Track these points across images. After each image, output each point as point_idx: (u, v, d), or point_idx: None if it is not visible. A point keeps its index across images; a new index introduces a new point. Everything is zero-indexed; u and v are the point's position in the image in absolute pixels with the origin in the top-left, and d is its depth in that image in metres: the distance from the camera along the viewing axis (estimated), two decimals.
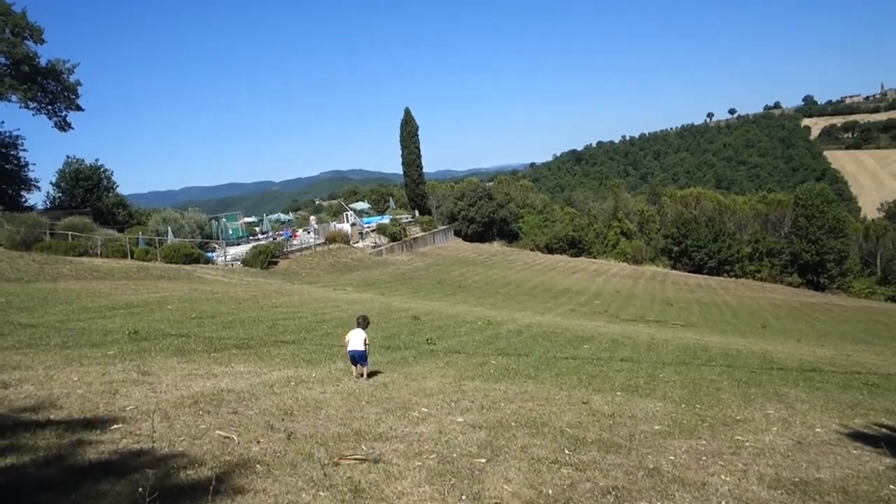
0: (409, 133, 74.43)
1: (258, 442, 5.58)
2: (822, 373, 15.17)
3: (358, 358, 9.72)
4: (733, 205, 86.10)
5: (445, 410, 7.64)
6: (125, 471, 4.54)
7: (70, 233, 35.24)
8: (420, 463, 5.34)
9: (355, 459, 5.24)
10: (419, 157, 75.32)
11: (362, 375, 9.68)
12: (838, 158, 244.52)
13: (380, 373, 10.37)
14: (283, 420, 6.46)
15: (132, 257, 34.90)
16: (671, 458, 6.22)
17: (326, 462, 5.13)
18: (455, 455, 5.66)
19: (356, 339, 9.72)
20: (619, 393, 10.09)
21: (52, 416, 5.90)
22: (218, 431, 5.75)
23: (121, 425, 5.76)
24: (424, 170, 78.19)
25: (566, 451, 6.07)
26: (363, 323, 10.03)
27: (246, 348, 12.00)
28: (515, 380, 10.62)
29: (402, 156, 75.29)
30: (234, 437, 5.60)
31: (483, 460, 5.55)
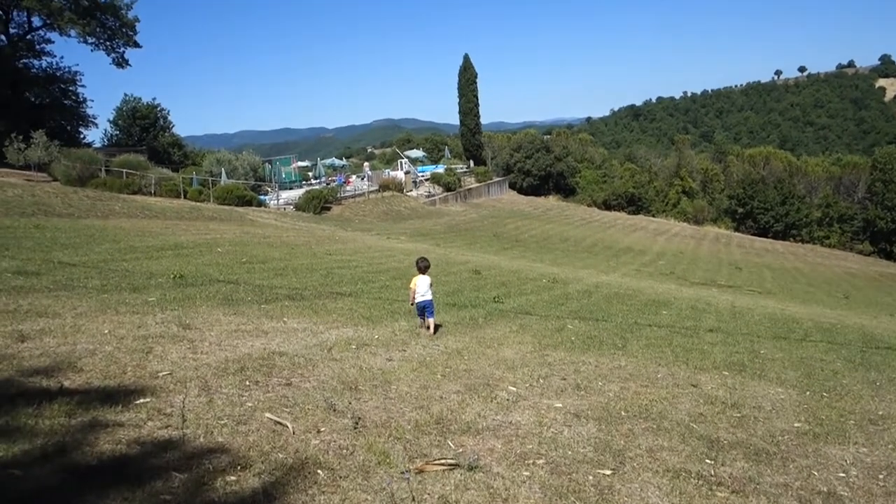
0: (467, 80, 72.10)
1: (318, 431, 4.37)
2: None
3: (428, 309, 9.03)
4: (805, 166, 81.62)
5: (537, 391, 6.34)
6: (144, 474, 3.37)
7: (125, 170, 34.86)
8: (528, 473, 4.05)
9: (444, 465, 3.98)
10: (477, 105, 73.02)
11: (429, 328, 8.98)
12: None
13: (444, 330, 9.23)
14: (346, 398, 5.24)
15: (185, 197, 34.37)
16: (841, 475, 4.81)
17: (408, 467, 3.89)
18: (569, 461, 4.37)
19: (425, 287, 8.98)
20: (725, 372, 8.64)
21: (66, 383, 4.79)
22: (268, 414, 4.55)
23: (149, 399, 4.61)
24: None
25: (707, 461, 4.72)
26: (426, 267, 9.21)
27: (299, 300, 10.89)
28: (603, 351, 9.25)
29: (459, 104, 73.13)
30: (288, 424, 4.39)
31: (608, 471, 4.24)
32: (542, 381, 6.82)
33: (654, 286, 22.49)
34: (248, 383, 5.33)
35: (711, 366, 9.04)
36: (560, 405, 5.84)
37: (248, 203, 36.13)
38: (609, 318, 13.18)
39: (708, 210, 76.22)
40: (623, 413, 5.83)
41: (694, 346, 10.55)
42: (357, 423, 4.59)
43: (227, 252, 16.65)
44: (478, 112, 73.74)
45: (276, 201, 40.18)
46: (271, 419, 4.47)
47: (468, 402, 5.61)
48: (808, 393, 7.96)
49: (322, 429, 4.42)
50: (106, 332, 6.65)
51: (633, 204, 75.49)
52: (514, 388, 6.30)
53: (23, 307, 7.53)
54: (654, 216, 74.44)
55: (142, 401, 4.55)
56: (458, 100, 73.24)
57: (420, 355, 7.43)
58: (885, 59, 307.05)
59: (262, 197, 39.97)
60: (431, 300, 9.16)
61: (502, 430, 4.90)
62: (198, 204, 32.75)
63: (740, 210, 72.95)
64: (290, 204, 39.59)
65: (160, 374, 5.26)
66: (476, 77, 72.52)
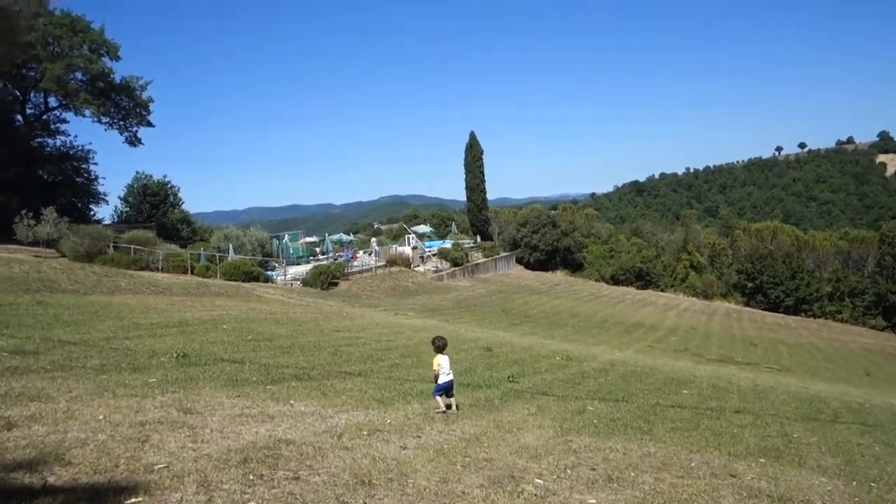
0: (473, 157, 73.18)
1: None
2: None
3: (451, 388, 8.94)
4: (812, 241, 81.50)
5: (566, 483, 5.81)
6: None
7: (133, 246, 34.89)
8: None
9: None
10: (483, 181, 73.88)
11: (450, 407, 8.87)
12: None
13: (459, 413, 8.80)
14: (360, 496, 4.74)
15: (192, 273, 34.24)
16: None
17: None
18: None
19: (448, 366, 8.83)
20: (762, 459, 8.07)
21: (51, 480, 4.32)
22: None
23: (141, 498, 4.13)
24: None
25: None
26: (444, 346, 9.02)
27: (307, 380, 10.42)
28: (629, 435, 8.70)
29: (465, 180, 74.03)
30: None
31: None
32: (569, 471, 6.28)
33: (670, 363, 21.87)
34: (251, 477, 4.85)
35: (745, 452, 8.47)
36: (594, 501, 5.32)
37: (255, 279, 35.94)
38: (629, 398, 12.62)
39: (717, 285, 75.72)
40: None
41: (723, 430, 9.98)
42: None
43: (232, 329, 16.25)
44: (484, 188, 74.51)
45: (283, 277, 40.00)
46: None
47: (493, 498, 5.09)
48: (854, 483, 7.38)
49: None
50: (101, 417, 6.20)
51: (642, 279, 75.09)
52: (541, 481, 5.77)
53: (15, 390, 7.10)
54: (662, 291, 73.92)
55: (133, 500, 4.08)
56: (464, 176, 74.21)
57: (436, 442, 6.91)
58: (883, 135, 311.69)
59: (269, 272, 39.81)
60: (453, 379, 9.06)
61: None
62: (205, 280, 32.56)
63: (750, 285, 72.43)
64: (298, 279, 39.39)
65: (155, 468, 4.79)
66: (482, 153, 73.64)
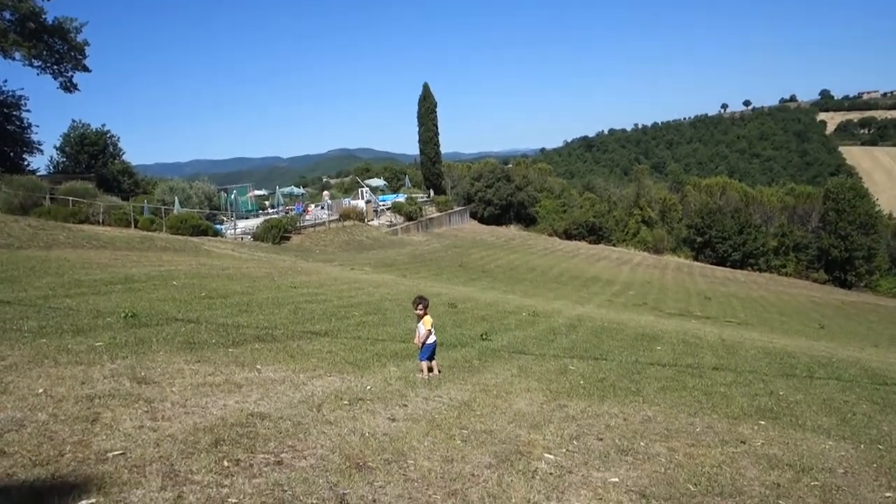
0: (427, 109, 71.68)
1: None
2: None
3: (435, 350, 8.27)
4: (760, 196, 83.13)
5: (578, 458, 5.22)
6: None
7: (71, 198, 32.93)
8: None
9: None
10: (437, 134, 72.56)
11: (432, 370, 8.18)
12: (854, 154, 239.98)
13: (440, 375, 8.19)
14: (358, 484, 4.02)
15: (136, 226, 32.56)
16: None
17: None
18: None
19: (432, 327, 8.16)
20: (761, 421, 7.67)
21: None
22: None
23: (94, 499, 3.34)
24: None
25: None
26: (427, 306, 8.26)
27: (270, 341, 9.58)
28: (620, 397, 8.20)
29: (418, 133, 72.58)
30: None
31: None
32: (575, 442, 5.71)
33: (634, 318, 21.67)
34: (226, 464, 4.08)
35: (741, 412, 8.07)
36: (616, 479, 4.74)
37: (204, 233, 34.48)
38: (606, 355, 12.18)
39: (667, 239, 76.70)
40: (691, 487, 4.75)
41: (711, 389, 9.58)
42: None
43: (183, 285, 15.19)
44: (438, 141, 73.27)
45: (232, 231, 38.59)
46: None
47: (507, 480, 4.45)
48: (861, 446, 7.03)
49: None
50: (40, 391, 5.31)
51: (594, 233, 75.50)
52: (552, 456, 5.17)
53: None
54: (614, 245, 74.56)
55: (85, 502, 3.28)
56: (417, 129, 72.78)
57: (425, 411, 6.25)
58: (824, 93, 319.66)
59: (217, 226, 38.30)
60: None
61: None
62: (149, 233, 31.01)
63: (699, 239, 73.60)
64: (248, 233, 38.04)
65: (110, 456, 3.98)
66: (436, 106, 72.20)
